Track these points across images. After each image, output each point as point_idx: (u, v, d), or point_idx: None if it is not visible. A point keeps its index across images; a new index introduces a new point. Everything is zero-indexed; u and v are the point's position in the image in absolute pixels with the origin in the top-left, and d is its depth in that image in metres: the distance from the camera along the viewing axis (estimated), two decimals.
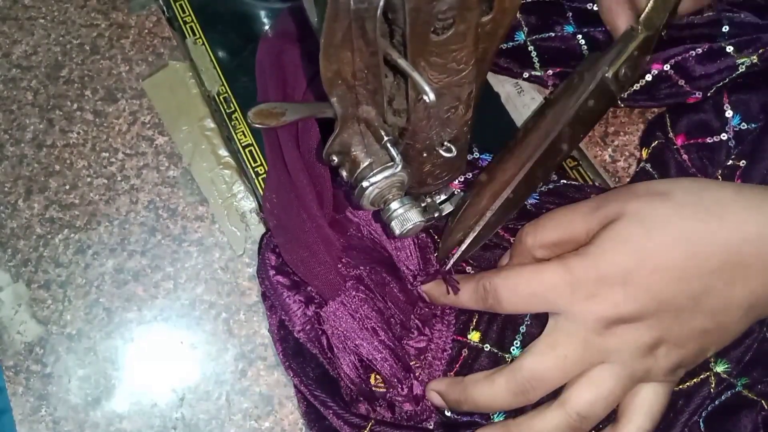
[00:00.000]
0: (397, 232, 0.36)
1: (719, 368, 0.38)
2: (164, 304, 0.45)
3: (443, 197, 0.43)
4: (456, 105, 0.33)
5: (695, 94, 0.44)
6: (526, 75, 0.48)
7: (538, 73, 0.48)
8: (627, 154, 0.47)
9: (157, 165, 0.49)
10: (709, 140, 0.43)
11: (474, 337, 0.41)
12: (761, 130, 0.42)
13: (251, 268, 0.46)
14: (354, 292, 0.40)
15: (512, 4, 0.29)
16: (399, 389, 0.40)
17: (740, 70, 0.43)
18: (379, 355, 0.39)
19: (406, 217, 0.36)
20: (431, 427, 0.40)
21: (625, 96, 0.46)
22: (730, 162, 0.42)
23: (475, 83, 0.32)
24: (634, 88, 0.45)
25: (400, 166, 0.34)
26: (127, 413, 0.43)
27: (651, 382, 0.35)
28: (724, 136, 0.43)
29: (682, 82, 0.45)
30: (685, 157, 0.43)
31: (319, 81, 0.30)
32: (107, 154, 0.49)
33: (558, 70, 0.47)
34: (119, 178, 0.49)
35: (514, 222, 0.42)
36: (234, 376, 0.43)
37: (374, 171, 0.34)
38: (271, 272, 0.42)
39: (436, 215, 0.43)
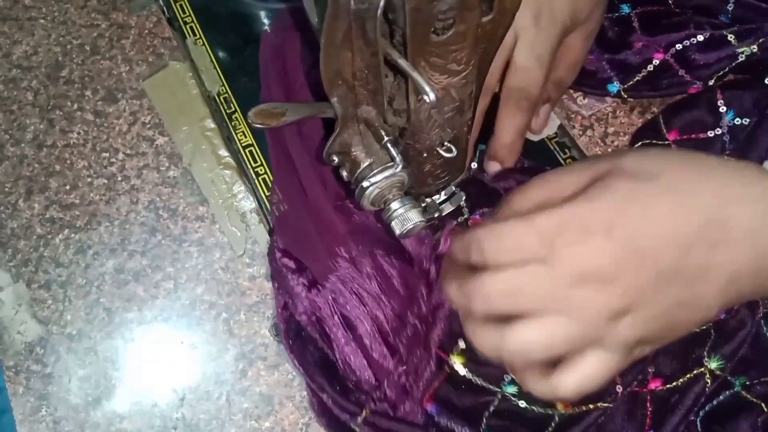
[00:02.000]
0: (398, 231, 0.36)
1: (713, 365, 0.38)
2: (164, 305, 0.45)
3: (443, 197, 0.43)
4: (456, 105, 0.33)
5: (696, 84, 0.45)
6: None
7: None
8: None
9: (158, 165, 0.49)
10: (702, 136, 0.43)
11: (457, 359, 0.40)
12: (755, 124, 0.42)
13: (251, 268, 0.46)
14: (348, 276, 0.41)
15: (512, 4, 0.29)
16: (373, 395, 0.40)
17: (740, 59, 0.44)
18: (356, 360, 0.40)
19: (406, 217, 0.36)
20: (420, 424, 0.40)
21: (629, 87, 0.46)
22: (725, 157, 0.42)
23: (475, 83, 0.32)
24: (637, 78, 0.46)
25: (400, 166, 0.34)
26: (127, 413, 0.43)
27: (602, 348, 0.33)
28: (718, 131, 0.43)
29: (682, 72, 0.45)
30: None
31: (318, 71, 0.30)
32: (107, 155, 0.50)
33: None
34: (119, 179, 0.49)
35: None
36: (234, 376, 0.43)
37: (374, 171, 0.34)
38: (278, 254, 0.43)
39: (436, 215, 0.43)
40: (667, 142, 0.44)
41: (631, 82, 0.46)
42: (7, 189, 0.49)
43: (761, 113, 0.43)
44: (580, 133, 0.48)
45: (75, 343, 0.45)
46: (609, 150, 0.48)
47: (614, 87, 0.46)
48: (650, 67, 0.45)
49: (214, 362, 0.44)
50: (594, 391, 0.34)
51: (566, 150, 0.47)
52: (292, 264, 0.42)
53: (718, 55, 0.44)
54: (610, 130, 0.48)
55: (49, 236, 0.47)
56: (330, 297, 0.41)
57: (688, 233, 0.32)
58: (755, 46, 0.43)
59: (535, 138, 0.48)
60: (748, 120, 0.43)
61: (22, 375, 0.44)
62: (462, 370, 0.40)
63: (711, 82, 0.45)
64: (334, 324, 0.40)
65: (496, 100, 0.43)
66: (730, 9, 0.45)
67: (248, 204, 0.47)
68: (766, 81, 0.44)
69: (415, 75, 0.28)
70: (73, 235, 0.47)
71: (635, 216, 0.32)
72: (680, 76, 0.45)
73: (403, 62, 0.28)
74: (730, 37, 0.44)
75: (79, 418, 0.43)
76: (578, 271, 0.32)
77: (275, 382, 0.43)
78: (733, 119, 0.43)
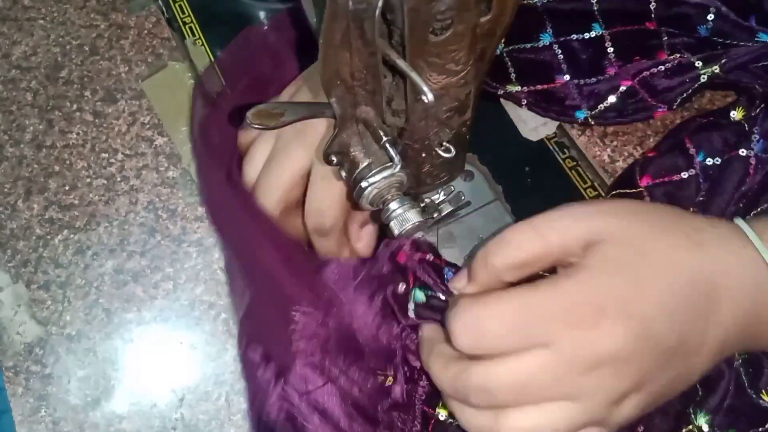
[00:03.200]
0: (396, 232, 0.36)
1: (701, 420, 0.37)
2: (164, 305, 0.45)
3: (443, 197, 0.43)
4: (455, 105, 0.33)
5: (661, 107, 0.45)
6: (500, 92, 0.48)
7: (513, 89, 0.47)
8: (626, 154, 0.47)
9: (157, 166, 0.49)
10: (676, 177, 0.43)
11: (443, 410, 0.38)
12: (722, 163, 0.42)
13: None
14: (314, 356, 0.38)
15: (511, 4, 0.29)
16: None
17: (702, 80, 0.44)
18: None
19: (405, 217, 0.36)
20: None
21: (597, 114, 0.46)
22: (700, 198, 0.42)
23: (474, 83, 0.32)
24: (605, 105, 0.46)
25: (399, 167, 0.34)
26: (126, 414, 0.43)
27: (597, 427, 0.31)
28: (692, 172, 0.42)
29: (646, 96, 0.45)
30: (647, 200, 0.42)
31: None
32: (107, 155, 0.50)
33: (535, 88, 0.47)
34: (119, 179, 0.49)
35: None
36: (233, 376, 0.43)
37: (373, 171, 0.34)
38: (243, 347, 0.40)
39: (435, 215, 0.43)
40: (639, 190, 0.43)
41: (599, 109, 0.46)
42: (6, 190, 0.49)
43: (729, 153, 0.42)
44: (579, 132, 0.48)
45: (74, 344, 0.45)
46: (607, 150, 0.48)
47: (582, 114, 0.46)
48: (618, 94, 0.46)
49: (214, 362, 0.44)
50: None
51: (565, 150, 0.47)
52: (257, 356, 0.39)
53: (681, 79, 0.45)
54: (609, 129, 0.48)
55: (49, 237, 0.47)
56: (297, 382, 0.38)
57: (689, 309, 0.31)
58: (717, 67, 0.43)
59: (534, 138, 0.48)
60: (719, 159, 0.42)
61: (22, 375, 0.44)
62: (450, 419, 0.37)
63: (675, 105, 0.45)
64: (304, 412, 0.38)
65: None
66: (711, 19, 0.45)
67: None
68: (732, 115, 0.44)
69: (414, 75, 0.28)
70: (72, 235, 0.47)
71: (649, 297, 0.30)
72: (645, 101, 0.45)
73: (401, 62, 0.28)
74: (698, 64, 0.44)
75: (79, 419, 0.43)
76: (593, 357, 0.29)
77: None
78: (705, 159, 0.43)
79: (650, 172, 0.43)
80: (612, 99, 0.46)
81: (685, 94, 0.45)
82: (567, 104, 0.47)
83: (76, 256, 0.47)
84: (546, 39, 0.47)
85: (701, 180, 0.42)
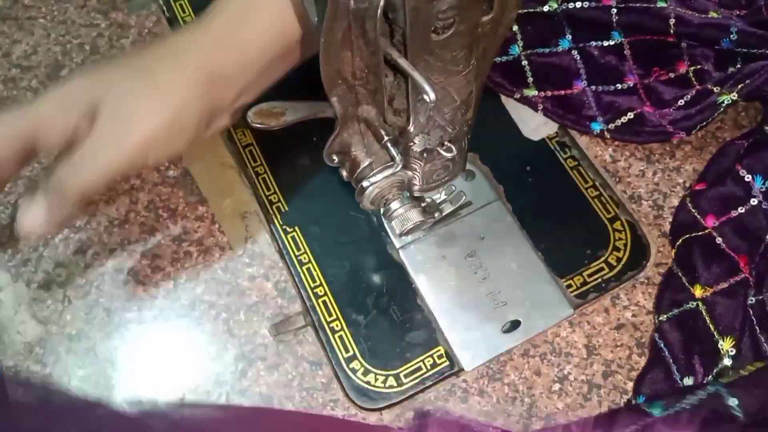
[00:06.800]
0: (398, 231, 0.36)
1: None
2: (164, 305, 0.45)
3: (444, 196, 0.43)
4: (456, 105, 0.33)
5: (679, 133, 0.45)
6: (516, 96, 0.48)
7: (530, 94, 0.47)
8: (627, 153, 0.47)
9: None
10: (741, 210, 0.42)
11: None
12: None
13: (251, 268, 0.46)
14: None
15: (513, 2, 0.29)
16: None
17: (721, 110, 0.44)
18: None
19: (406, 216, 0.36)
20: None
21: (613, 128, 0.46)
22: None
23: (476, 83, 0.32)
24: (622, 121, 0.46)
25: (400, 166, 0.34)
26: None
27: None
28: (753, 201, 0.42)
29: (666, 126, 0.45)
30: (719, 240, 0.42)
31: None
32: None
33: (552, 93, 0.47)
34: (119, 178, 0.49)
35: None
36: (234, 376, 0.43)
37: (374, 171, 0.34)
38: None
39: (436, 215, 0.43)
40: (707, 231, 0.42)
41: (616, 124, 0.46)
42: (6, 188, 0.49)
43: None
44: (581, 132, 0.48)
45: (74, 344, 0.44)
46: (609, 150, 0.47)
47: (598, 126, 0.47)
48: (630, 115, 0.46)
49: (214, 362, 0.44)
50: None
51: (567, 149, 0.47)
52: None
53: (701, 107, 0.45)
54: None
55: (49, 236, 0.47)
56: None
57: None
58: (735, 94, 0.44)
59: (535, 138, 0.48)
60: None
61: (22, 375, 0.44)
62: None
63: (694, 131, 0.45)
64: None
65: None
66: (734, 31, 0.45)
67: (248, 204, 0.47)
68: (766, 129, 0.43)
69: (415, 74, 0.28)
70: (72, 234, 0.47)
71: None
72: (664, 126, 0.46)
73: (403, 62, 0.28)
74: (716, 89, 0.44)
75: None
76: None
77: (275, 383, 0.43)
78: (764, 183, 0.42)
79: (712, 210, 0.43)
80: (630, 115, 0.46)
81: (705, 122, 0.45)
82: (583, 114, 0.47)
83: (77, 255, 0.47)
84: (565, 44, 0.47)
85: (766, 207, 0.42)
